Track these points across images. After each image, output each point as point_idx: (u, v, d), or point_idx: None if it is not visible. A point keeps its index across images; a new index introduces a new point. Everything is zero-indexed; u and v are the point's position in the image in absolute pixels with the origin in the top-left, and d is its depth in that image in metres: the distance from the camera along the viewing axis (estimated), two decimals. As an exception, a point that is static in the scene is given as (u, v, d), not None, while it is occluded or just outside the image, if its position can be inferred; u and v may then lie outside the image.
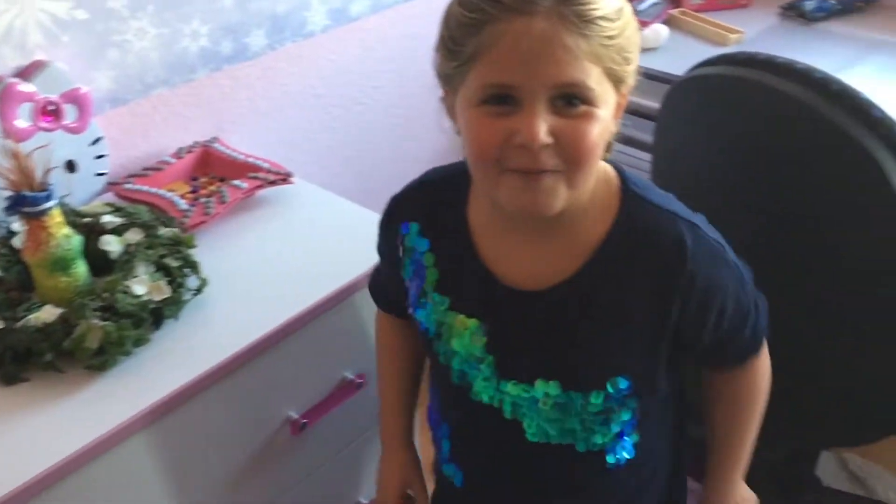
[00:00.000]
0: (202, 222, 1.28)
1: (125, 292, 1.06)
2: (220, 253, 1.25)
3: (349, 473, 1.39)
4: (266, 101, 1.61)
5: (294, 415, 1.21)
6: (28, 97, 1.21)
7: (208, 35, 1.47)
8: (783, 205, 1.16)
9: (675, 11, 1.97)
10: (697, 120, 1.30)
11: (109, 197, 1.35)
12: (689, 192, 0.91)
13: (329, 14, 1.65)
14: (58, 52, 1.28)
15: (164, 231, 1.18)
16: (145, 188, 1.35)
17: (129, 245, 1.15)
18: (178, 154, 1.45)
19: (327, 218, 1.36)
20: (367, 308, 1.22)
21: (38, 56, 1.27)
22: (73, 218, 1.16)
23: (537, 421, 0.92)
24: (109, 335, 1.03)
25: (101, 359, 1.04)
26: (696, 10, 1.97)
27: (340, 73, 1.72)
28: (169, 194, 1.32)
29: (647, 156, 1.45)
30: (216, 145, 1.49)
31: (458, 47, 0.79)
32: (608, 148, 0.86)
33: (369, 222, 1.03)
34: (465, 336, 0.92)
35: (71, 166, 1.32)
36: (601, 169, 0.86)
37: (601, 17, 0.76)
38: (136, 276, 1.09)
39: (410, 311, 0.98)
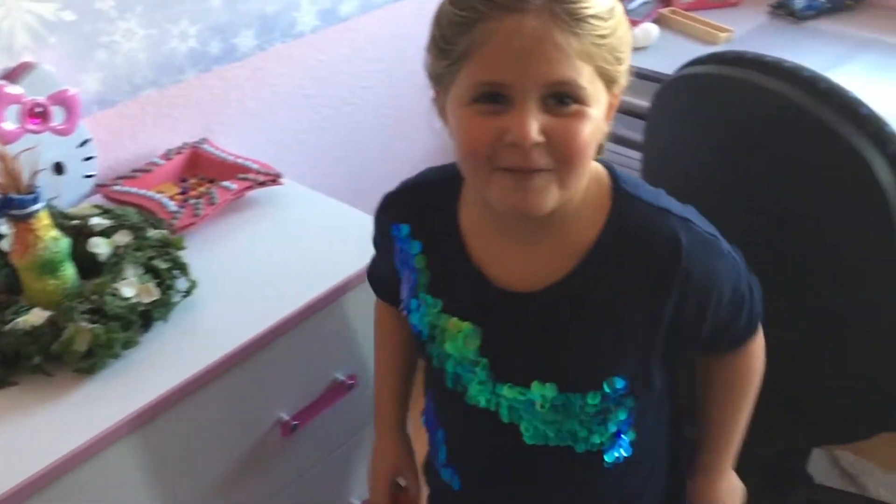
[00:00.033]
0: (191, 224, 1.27)
1: (114, 295, 1.06)
2: (210, 254, 1.24)
3: (341, 475, 1.39)
4: (255, 102, 1.60)
5: (285, 416, 1.21)
6: (15, 99, 1.20)
7: (197, 36, 1.46)
8: (772, 202, 1.16)
9: (665, 10, 1.98)
10: (687, 118, 1.30)
11: (98, 199, 1.34)
12: (679, 190, 0.91)
13: (318, 14, 1.64)
14: (45, 53, 1.27)
15: (152, 233, 1.17)
16: (134, 190, 1.34)
17: (117, 247, 1.14)
18: (167, 155, 1.45)
19: (317, 219, 1.36)
20: (358, 309, 1.22)
21: (26, 58, 1.26)
22: (61, 220, 1.15)
23: (535, 423, 0.92)
24: (98, 338, 1.03)
25: (90, 362, 1.03)
26: (686, 9, 1.98)
27: (330, 74, 1.72)
28: (158, 196, 1.32)
29: (637, 154, 1.45)
30: (205, 146, 1.48)
31: (449, 46, 0.79)
32: (600, 150, 0.86)
33: (359, 223, 1.03)
34: (459, 339, 0.92)
35: (59, 168, 1.31)
36: (593, 169, 0.86)
37: (592, 16, 0.76)
38: (124, 279, 1.08)
39: (404, 313, 0.98)
